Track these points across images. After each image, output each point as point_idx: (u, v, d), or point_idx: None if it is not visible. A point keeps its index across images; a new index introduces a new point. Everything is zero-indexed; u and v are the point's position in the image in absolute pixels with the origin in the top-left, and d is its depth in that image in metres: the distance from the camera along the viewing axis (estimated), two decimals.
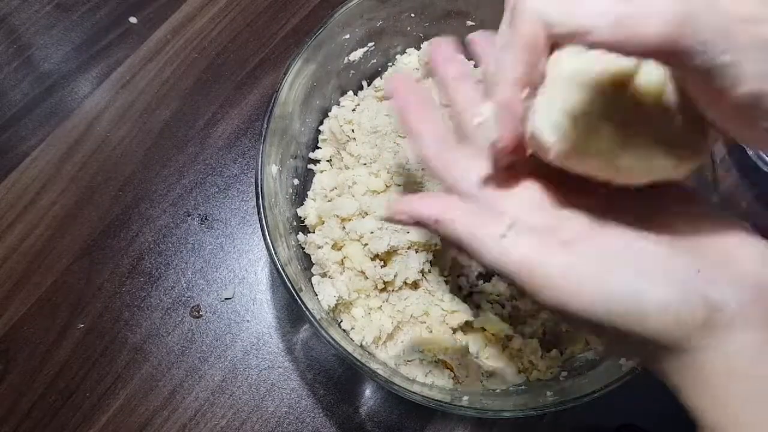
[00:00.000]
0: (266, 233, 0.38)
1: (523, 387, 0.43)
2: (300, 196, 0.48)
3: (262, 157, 0.39)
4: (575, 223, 0.23)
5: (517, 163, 0.25)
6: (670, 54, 0.17)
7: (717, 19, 0.17)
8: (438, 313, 0.44)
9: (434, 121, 0.29)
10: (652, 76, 0.21)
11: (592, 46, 0.17)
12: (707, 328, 0.20)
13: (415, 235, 0.43)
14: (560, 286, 0.21)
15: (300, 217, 0.47)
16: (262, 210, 0.38)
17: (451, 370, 0.43)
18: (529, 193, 0.25)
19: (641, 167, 0.22)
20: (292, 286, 0.37)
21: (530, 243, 0.22)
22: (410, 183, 0.46)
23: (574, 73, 0.22)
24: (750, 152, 0.52)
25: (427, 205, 0.24)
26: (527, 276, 0.22)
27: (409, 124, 0.29)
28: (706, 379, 0.21)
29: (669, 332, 0.20)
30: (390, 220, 0.25)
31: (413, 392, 0.36)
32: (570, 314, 0.21)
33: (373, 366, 0.37)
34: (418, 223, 0.24)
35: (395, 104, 0.30)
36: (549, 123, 0.22)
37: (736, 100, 0.18)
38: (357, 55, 0.48)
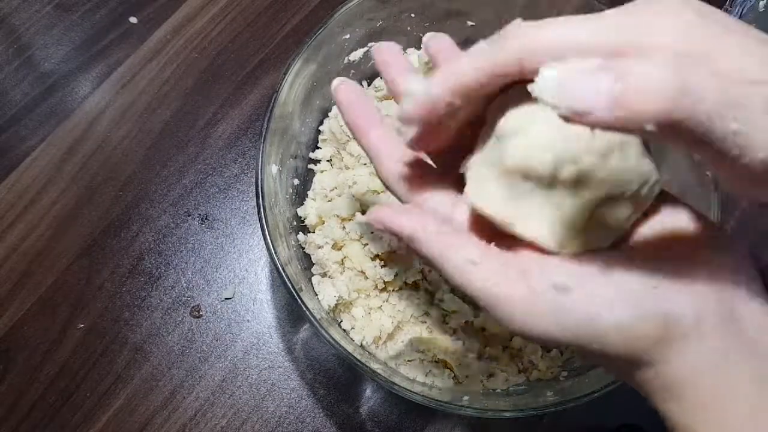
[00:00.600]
0: (266, 233, 0.38)
1: (523, 387, 0.43)
2: (300, 196, 0.48)
3: (262, 157, 0.39)
4: (531, 249, 0.23)
5: None
6: (673, 130, 0.16)
7: (719, 86, 0.16)
8: (438, 313, 0.44)
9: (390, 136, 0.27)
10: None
11: (591, 126, 0.16)
12: (665, 341, 0.20)
13: None
14: (521, 320, 0.21)
15: (300, 217, 0.47)
16: (262, 210, 0.38)
17: (451, 370, 0.43)
18: None
19: (589, 237, 0.22)
20: (292, 286, 0.37)
21: (494, 272, 0.22)
22: None
23: (516, 133, 0.21)
24: None
25: (400, 220, 0.23)
26: (490, 307, 0.22)
27: (363, 140, 0.28)
28: (671, 387, 0.21)
29: (628, 349, 0.20)
30: (369, 225, 0.25)
31: (413, 392, 0.36)
32: (532, 339, 0.22)
33: (373, 366, 0.37)
34: (394, 235, 0.24)
35: (346, 116, 0.29)
36: (483, 194, 0.22)
37: (750, 168, 0.17)
38: (357, 55, 0.48)
